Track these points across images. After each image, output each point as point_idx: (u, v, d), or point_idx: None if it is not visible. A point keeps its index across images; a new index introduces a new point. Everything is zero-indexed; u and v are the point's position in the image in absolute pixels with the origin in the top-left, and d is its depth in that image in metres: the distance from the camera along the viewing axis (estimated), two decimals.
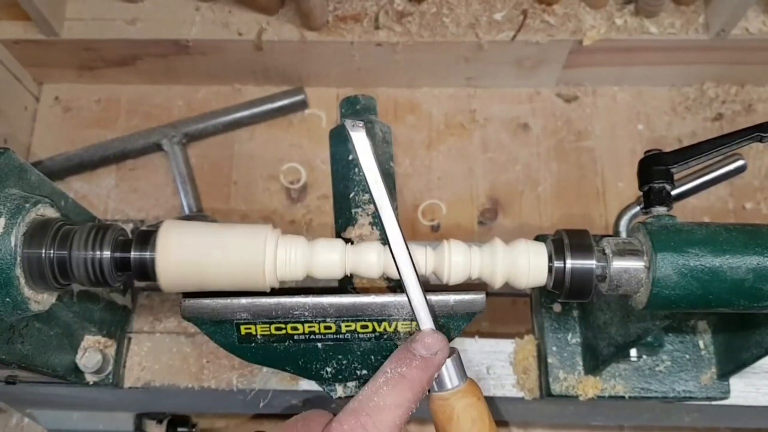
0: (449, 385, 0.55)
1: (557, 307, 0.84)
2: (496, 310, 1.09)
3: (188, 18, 1.21)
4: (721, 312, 0.61)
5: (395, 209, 0.57)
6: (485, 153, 1.27)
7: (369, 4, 1.20)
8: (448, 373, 0.55)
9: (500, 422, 1.02)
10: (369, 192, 0.56)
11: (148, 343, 0.85)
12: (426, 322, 0.55)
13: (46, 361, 0.72)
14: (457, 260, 0.58)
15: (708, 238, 0.57)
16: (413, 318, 0.59)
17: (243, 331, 0.60)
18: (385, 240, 0.56)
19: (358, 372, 0.60)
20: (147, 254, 0.57)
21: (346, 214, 0.67)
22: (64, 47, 1.22)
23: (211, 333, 0.60)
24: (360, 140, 0.56)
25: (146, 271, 0.57)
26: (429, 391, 0.55)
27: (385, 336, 0.60)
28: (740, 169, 0.70)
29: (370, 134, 0.58)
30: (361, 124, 0.56)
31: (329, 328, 0.59)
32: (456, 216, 1.23)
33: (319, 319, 0.59)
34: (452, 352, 0.55)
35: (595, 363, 0.79)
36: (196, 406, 1.03)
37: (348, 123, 0.56)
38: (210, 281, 0.57)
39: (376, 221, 0.67)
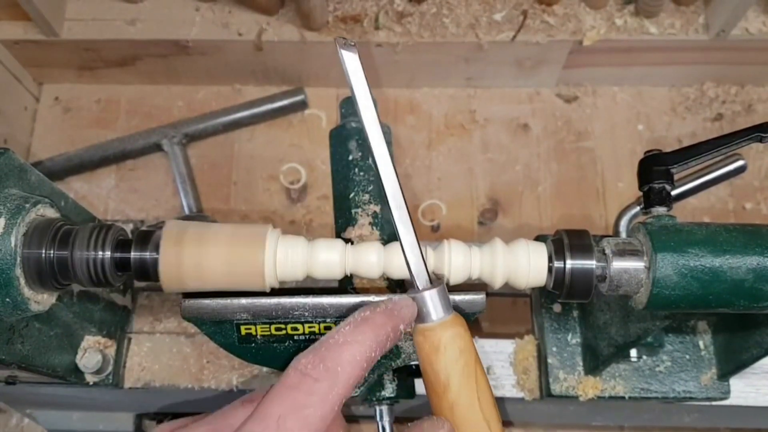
0: (434, 317, 0.53)
1: (557, 308, 0.84)
2: (496, 310, 1.09)
3: (188, 18, 1.21)
4: (721, 312, 0.61)
5: (391, 155, 0.53)
6: (485, 153, 1.27)
7: (369, 5, 1.20)
8: (434, 304, 0.53)
9: (506, 422, 1.02)
10: (360, 122, 0.51)
11: (148, 343, 0.85)
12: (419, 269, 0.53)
13: (46, 362, 0.72)
14: (457, 260, 0.58)
15: (708, 238, 0.57)
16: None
17: (243, 332, 0.60)
18: (378, 183, 0.49)
19: None
20: (147, 254, 0.57)
21: (346, 214, 0.67)
22: (64, 47, 1.22)
23: (211, 333, 0.60)
24: (351, 61, 0.50)
25: (146, 271, 0.57)
26: (413, 324, 0.54)
27: None
28: (740, 170, 0.70)
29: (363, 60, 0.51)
30: (354, 42, 0.50)
31: (329, 328, 0.59)
32: (456, 216, 1.23)
33: (319, 320, 0.59)
34: (438, 284, 0.54)
35: (595, 363, 0.79)
36: (196, 406, 1.03)
37: (339, 41, 0.50)
38: (210, 281, 0.57)
39: (376, 221, 0.67)
